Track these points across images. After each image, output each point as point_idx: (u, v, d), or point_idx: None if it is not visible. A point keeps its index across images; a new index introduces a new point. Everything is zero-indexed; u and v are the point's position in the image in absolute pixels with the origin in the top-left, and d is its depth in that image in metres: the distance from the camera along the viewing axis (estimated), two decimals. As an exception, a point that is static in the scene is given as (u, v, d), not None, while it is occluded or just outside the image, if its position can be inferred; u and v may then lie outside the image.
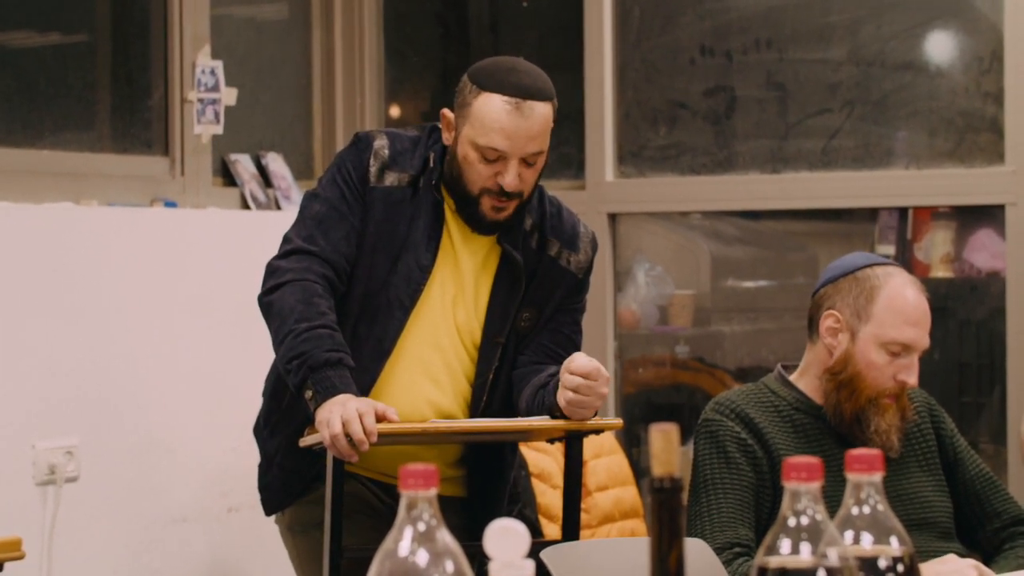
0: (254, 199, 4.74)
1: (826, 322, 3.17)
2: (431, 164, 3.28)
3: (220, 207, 4.63)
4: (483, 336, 3.31)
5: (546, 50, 5.37)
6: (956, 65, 4.71)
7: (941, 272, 4.79)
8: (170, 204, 4.51)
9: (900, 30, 4.76)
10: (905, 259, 4.80)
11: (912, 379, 3.13)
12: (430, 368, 3.29)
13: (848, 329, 3.15)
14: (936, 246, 4.78)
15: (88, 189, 4.37)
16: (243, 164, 4.81)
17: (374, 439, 3.04)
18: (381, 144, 3.28)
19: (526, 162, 3.20)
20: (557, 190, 4.94)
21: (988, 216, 4.67)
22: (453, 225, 3.30)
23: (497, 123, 3.17)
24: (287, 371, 3.17)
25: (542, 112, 3.20)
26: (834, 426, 3.15)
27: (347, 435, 3.03)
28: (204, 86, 4.62)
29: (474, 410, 3.32)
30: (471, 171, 3.22)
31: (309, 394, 3.12)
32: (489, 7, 5.48)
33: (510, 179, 3.19)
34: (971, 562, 2.96)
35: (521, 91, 3.19)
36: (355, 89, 5.13)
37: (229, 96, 4.67)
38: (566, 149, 5.15)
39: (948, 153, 4.69)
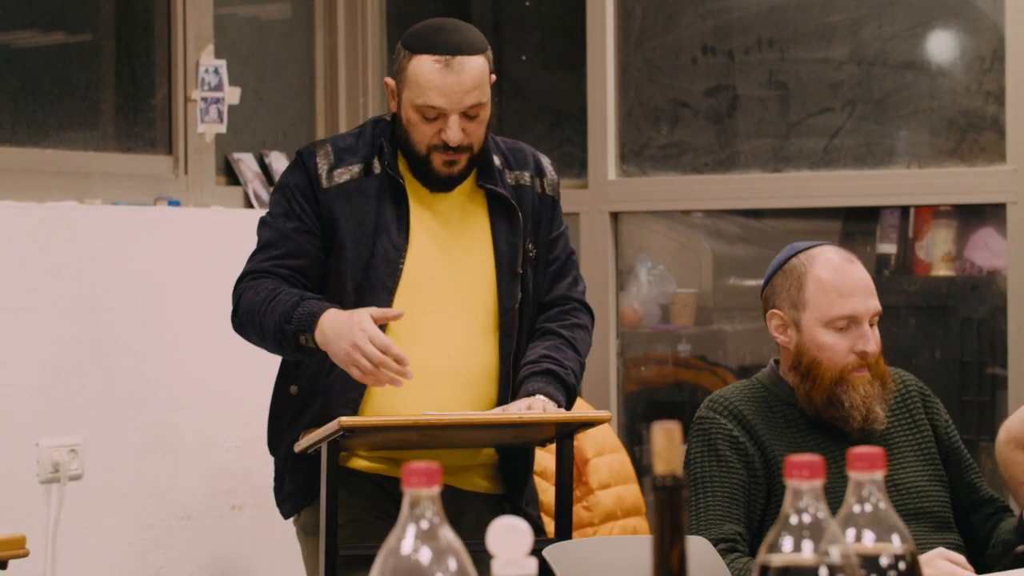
0: (257, 198, 4.75)
1: (772, 323, 3.22)
2: (384, 149, 3.34)
3: (223, 206, 4.64)
4: (498, 273, 3.37)
5: (548, 50, 5.38)
6: (957, 64, 4.71)
7: (942, 271, 4.79)
8: (174, 203, 4.52)
9: (901, 29, 4.76)
10: (907, 258, 4.81)
11: (870, 347, 3.15)
12: (433, 335, 3.32)
13: (792, 323, 3.18)
14: (937, 245, 4.79)
15: (92, 188, 4.38)
16: (246, 163, 4.82)
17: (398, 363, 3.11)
18: (324, 151, 3.36)
19: (467, 116, 3.27)
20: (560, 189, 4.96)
21: (989, 215, 4.67)
22: (422, 193, 3.36)
23: (430, 83, 3.25)
24: (280, 347, 3.27)
25: (474, 66, 3.26)
26: (812, 417, 3.17)
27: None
28: (207, 85, 4.63)
29: (504, 351, 3.37)
30: (416, 132, 3.29)
31: (303, 339, 3.20)
32: (491, 7, 5.49)
33: (452, 134, 3.25)
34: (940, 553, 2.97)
35: (449, 48, 3.26)
36: (358, 88, 5.13)
37: (232, 95, 4.67)
38: (568, 148, 5.16)
39: (949, 152, 4.70)
